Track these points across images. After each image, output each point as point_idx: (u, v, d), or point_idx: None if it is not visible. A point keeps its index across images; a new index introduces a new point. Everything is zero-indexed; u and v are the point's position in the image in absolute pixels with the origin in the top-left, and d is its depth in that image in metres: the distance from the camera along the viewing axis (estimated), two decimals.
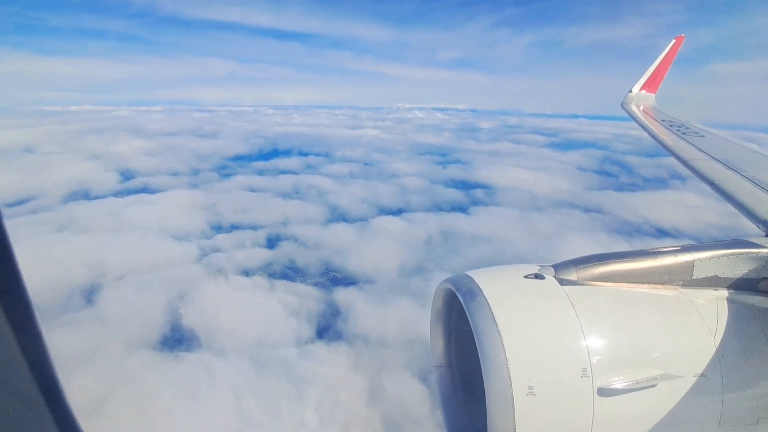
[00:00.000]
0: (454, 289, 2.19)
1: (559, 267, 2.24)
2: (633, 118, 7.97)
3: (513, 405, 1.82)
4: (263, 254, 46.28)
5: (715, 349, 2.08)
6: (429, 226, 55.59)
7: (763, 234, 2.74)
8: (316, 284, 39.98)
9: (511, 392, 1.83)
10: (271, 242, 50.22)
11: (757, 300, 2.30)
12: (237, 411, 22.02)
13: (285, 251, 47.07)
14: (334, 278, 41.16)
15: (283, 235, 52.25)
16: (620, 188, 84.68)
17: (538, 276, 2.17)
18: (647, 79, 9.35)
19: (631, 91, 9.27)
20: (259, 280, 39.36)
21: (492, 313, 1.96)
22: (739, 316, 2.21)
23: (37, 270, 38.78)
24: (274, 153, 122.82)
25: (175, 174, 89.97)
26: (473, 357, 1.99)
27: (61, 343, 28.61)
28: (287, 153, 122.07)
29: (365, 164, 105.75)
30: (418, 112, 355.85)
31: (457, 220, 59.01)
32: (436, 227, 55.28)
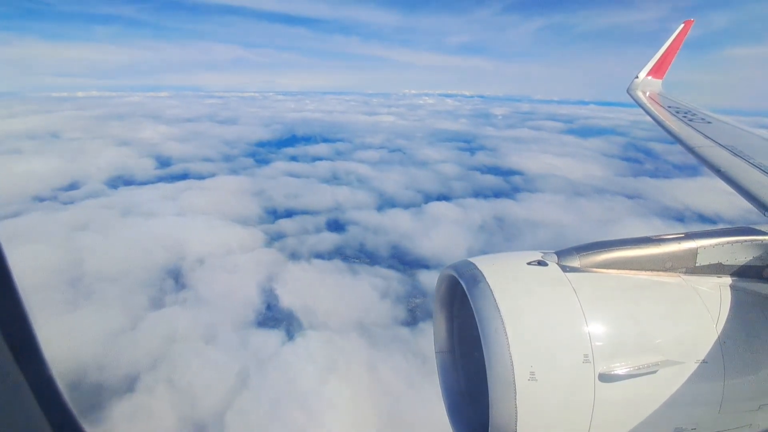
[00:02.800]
0: (457, 276, 2.19)
1: (562, 254, 2.25)
2: (639, 104, 7.91)
3: (515, 390, 1.85)
4: (331, 238, 47.43)
5: (717, 336, 2.09)
6: (483, 211, 56.70)
7: None
8: (390, 267, 41.14)
9: (513, 378, 1.85)
10: (334, 227, 51.36)
11: (760, 287, 2.31)
12: (379, 386, 23.31)
13: (352, 236, 48.22)
14: (407, 262, 42.28)
15: (343, 221, 53.35)
16: (654, 175, 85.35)
17: (541, 263, 2.19)
18: (654, 65, 9.22)
19: (637, 77, 9.15)
20: (338, 263, 40.60)
21: (495, 299, 1.98)
22: (742, 303, 2.22)
23: (124, 253, 40.14)
24: (298, 139, 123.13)
25: (208, 160, 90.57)
26: (476, 343, 2.00)
27: (178, 323, 30.03)
28: (310, 139, 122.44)
29: (392, 151, 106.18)
30: (427, 98, 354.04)
31: (508, 205, 59.96)
32: (490, 213, 56.37)
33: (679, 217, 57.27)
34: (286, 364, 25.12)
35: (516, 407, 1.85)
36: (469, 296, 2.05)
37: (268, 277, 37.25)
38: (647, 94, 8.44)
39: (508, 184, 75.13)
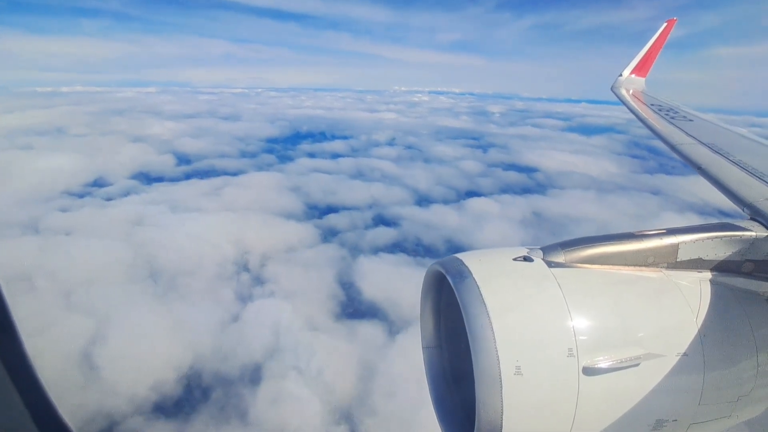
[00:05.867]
0: (443, 272, 2.21)
1: (547, 249, 2.28)
2: (622, 101, 8.01)
3: (501, 385, 1.87)
4: (387, 233, 48.46)
5: (697, 330, 2.14)
6: (521, 207, 58.38)
7: (748, 217, 2.76)
8: None
9: (499, 372, 1.87)
10: (385, 222, 52.39)
11: (739, 282, 2.37)
12: None
13: (406, 231, 49.32)
14: None
15: (389, 216, 54.44)
16: (669, 172, 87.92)
17: (526, 258, 2.22)
18: (637, 63, 9.38)
19: (621, 75, 9.33)
20: (404, 257, 41.70)
21: (481, 294, 2.00)
22: (721, 298, 2.27)
23: (190, 248, 40.58)
24: (307, 136, 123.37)
25: (225, 156, 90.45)
26: (462, 338, 2.02)
27: (277, 315, 30.80)
28: (320, 136, 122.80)
29: (408, 147, 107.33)
30: (421, 95, 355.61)
31: (542, 201, 61.73)
32: (528, 208, 58.09)
33: (712, 213, 59.43)
34: (405, 353, 26.10)
35: (502, 401, 1.88)
36: (455, 292, 2.07)
37: (343, 270, 38.22)
38: (630, 92, 8.61)
39: (532, 180, 77.06)
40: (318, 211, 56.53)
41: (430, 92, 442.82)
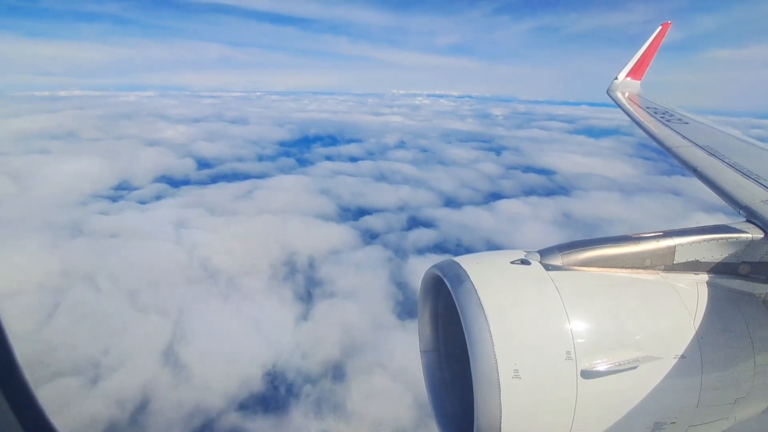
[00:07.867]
0: (441, 275, 2.23)
1: (544, 252, 2.29)
2: (618, 104, 8.10)
3: (499, 388, 1.87)
4: (427, 234, 49.16)
5: (694, 332, 2.15)
6: (550, 208, 59.22)
7: (744, 219, 2.77)
8: None
9: (498, 376, 1.87)
10: (421, 224, 53.01)
11: (736, 284, 2.38)
12: None
13: (445, 232, 50.04)
14: None
15: (424, 218, 55.09)
16: (684, 173, 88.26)
17: (524, 261, 2.22)
18: (633, 67, 9.47)
19: (616, 78, 9.39)
20: (451, 258, 42.24)
21: (479, 298, 1.99)
22: (718, 300, 2.27)
23: (239, 249, 41.05)
24: (317, 139, 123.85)
25: (244, 160, 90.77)
26: (460, 342, 2.01)
27: (344, 314, 31.36)
28: (331, 139, 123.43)
29: (421, 151, 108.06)
30: (421, 98, 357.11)
31: (570, 203, 62.56)
32: (558, 209, 58.92)
33: (731, 213, 60.37)
34: None
35: (500, 405, 1.88)
36: (453, 295, 2.08)
37: (395, 271, 38.81)
38: (626, 95, 8.72)
39: (552, 182, 77.88)
40: (351, 213, 57.15)
41: (429, 95, 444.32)
